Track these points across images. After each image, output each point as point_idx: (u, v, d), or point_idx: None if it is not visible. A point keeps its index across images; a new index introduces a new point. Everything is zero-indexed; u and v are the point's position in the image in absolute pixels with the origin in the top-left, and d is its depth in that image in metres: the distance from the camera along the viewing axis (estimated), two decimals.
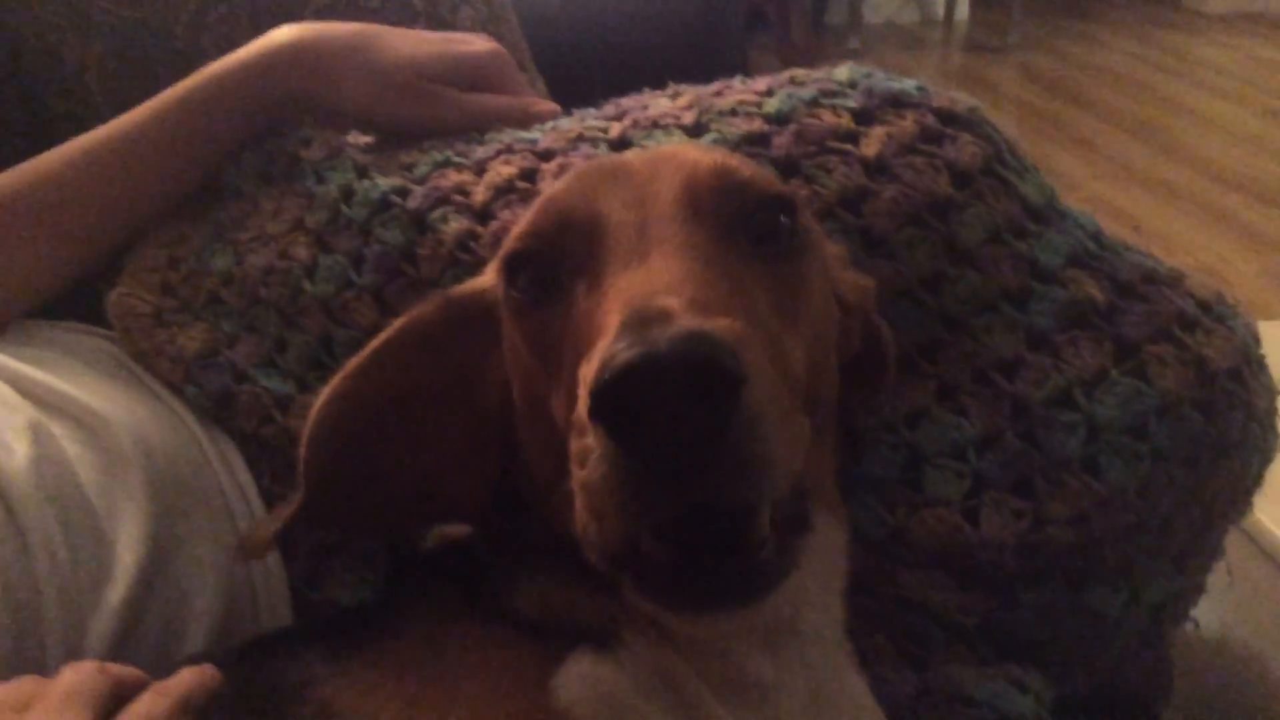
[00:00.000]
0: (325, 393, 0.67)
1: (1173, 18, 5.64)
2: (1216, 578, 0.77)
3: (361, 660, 0.61)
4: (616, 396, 0.44)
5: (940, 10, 5.59)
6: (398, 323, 0.68)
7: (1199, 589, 0.76)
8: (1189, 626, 0.77)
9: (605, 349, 0.46)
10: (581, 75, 1.44)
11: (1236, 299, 0.74)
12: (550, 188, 0.64)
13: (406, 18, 1.21)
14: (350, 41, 0.87)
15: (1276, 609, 0.83)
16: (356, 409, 0.67)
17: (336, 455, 0.67)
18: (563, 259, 0.58)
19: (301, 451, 0.67)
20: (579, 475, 0.49)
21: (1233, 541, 0.78)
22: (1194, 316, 0.70)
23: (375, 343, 0.68)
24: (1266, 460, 0.73)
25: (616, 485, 0.46)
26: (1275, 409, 0.73)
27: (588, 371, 0.49)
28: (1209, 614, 0.81)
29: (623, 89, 0.89)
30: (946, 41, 5.43)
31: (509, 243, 0.62)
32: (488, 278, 0.68)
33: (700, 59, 1.57)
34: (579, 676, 0.58)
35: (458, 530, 0.73)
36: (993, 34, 5.30)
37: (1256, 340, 0.73)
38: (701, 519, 0.48)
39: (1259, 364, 0.72)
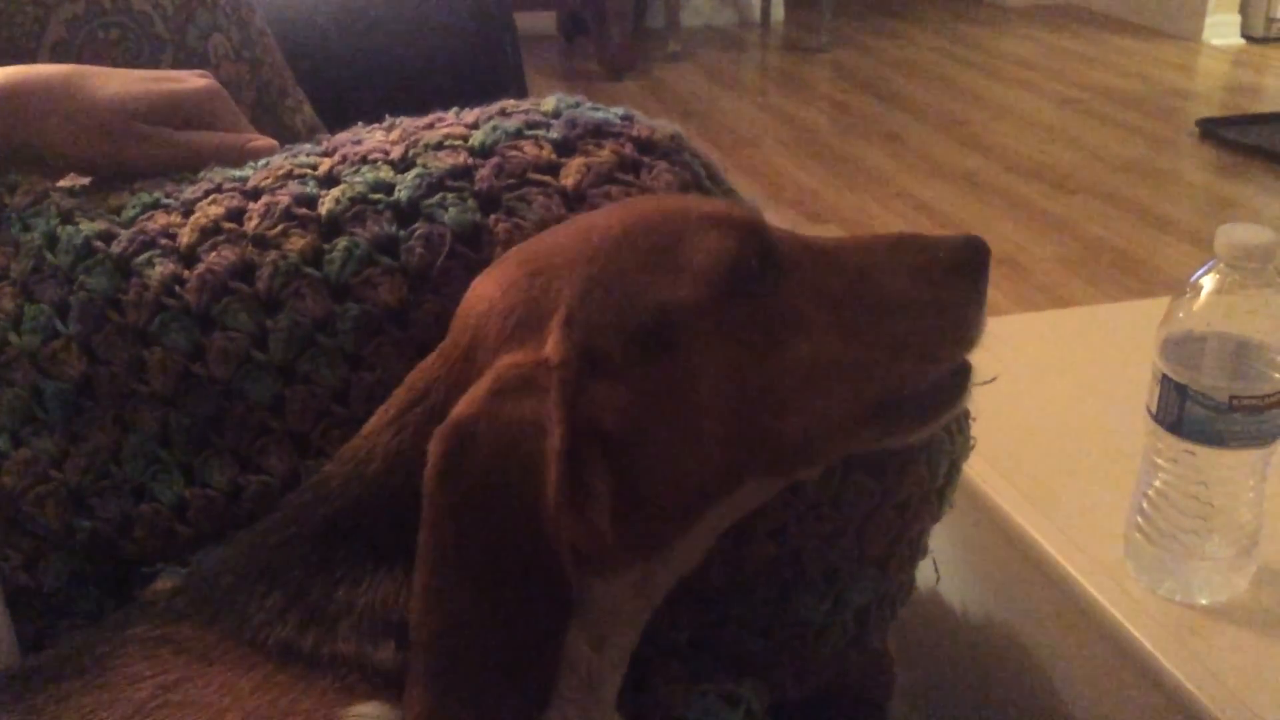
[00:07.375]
0: None
1: (977, 13, 5.88)
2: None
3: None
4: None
5: (757, 12, 5.71)
6: None
7: (905, 589, 0.79)
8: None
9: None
10: (353, 98, 1.43)
11: None
12: None
13: (153, 49, 1.18)
14: (56, 84, 0.84)
15: (1012, 584, 0.96)
16: None
17: None
18: None
19: None
20: None
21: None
22: None
23: None
24: (956, 464, 0.77)
25: None
26: (964, 414, 0.77)
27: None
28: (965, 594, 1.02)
29: (397, 111, 0.87)
30: (764, 43, 5.55)
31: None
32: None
33: (476, 77, 1.57)
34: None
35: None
36: (807, 34, 5.44)
37: None
38: None
39: None
